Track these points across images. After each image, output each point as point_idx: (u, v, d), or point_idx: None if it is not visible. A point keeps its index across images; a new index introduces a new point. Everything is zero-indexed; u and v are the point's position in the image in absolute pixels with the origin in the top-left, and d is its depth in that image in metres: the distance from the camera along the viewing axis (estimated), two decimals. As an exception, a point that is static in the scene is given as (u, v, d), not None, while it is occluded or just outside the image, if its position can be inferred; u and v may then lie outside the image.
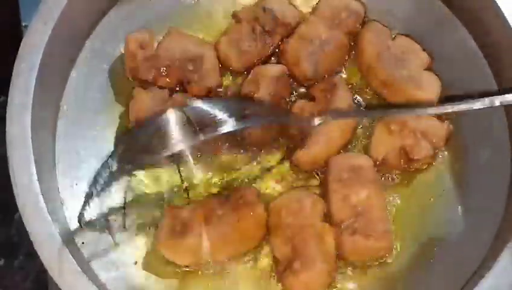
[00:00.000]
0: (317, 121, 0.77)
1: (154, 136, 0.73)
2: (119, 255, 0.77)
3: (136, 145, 0.75)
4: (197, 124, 0.71)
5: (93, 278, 0.71)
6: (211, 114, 0.71)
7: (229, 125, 0.70)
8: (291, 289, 0.73)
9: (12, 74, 0.74)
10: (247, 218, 0.75)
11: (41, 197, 0.71)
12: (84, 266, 0.72)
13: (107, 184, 0.75)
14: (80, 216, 0.74)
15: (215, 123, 0.70)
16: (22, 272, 0.89)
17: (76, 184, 0.79)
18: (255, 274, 0.76)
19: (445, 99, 0.80)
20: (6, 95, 0.74)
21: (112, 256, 0.76)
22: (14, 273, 0.89)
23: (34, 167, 0.72)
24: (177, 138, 0.72)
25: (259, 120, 0.75)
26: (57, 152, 0.80)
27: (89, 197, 0.74)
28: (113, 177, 0.75)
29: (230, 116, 0.70)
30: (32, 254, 0.85)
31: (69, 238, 0.74)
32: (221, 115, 0.71)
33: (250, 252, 0.77)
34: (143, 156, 0.75)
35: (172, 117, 0.72)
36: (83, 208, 0.74)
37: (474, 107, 0.73)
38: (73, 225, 0.77)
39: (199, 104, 0.73)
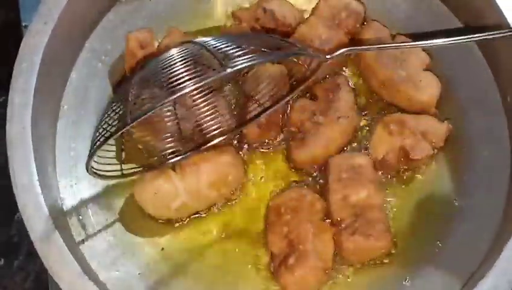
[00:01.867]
0: (328, 56, 0.76)
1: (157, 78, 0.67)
2: (119, 255, 0.77)
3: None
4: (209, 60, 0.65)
5: (93, 278, 0.71)
6: (219, 48, 0.65)
7: (256, 57, 0.63)
8: (286, 285, 0.73)
9: (13, 74, 0.74)
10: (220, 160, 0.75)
11: (41, 197, 0.71)
12: (84, 266, 0.72)
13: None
14: (87, 164, 0.71)
15: (228, 55, 0.63)
16: (22, 272, 0.89)
17: (76, 184, 0.79)
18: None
19: (445, 99, 0.80)
20: (7, 95, 0.74)
21: (112, 255, 0.76)
22: (14, 273, 0.89)
23: (34, 167, 0.72)
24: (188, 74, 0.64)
25: (276, 54, 0.69)
26: (57, 152, 0.80)
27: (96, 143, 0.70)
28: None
29: (247, 51, 0.64)
30: (32, 254, 0.86)
31: (69, 238, 0.74)
32: (230, 48, 0.64)
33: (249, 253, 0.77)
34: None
35: (178, 53, 0.67)
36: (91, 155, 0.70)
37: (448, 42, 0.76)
38: (74, 224, 0.77)
39: (204, 39, 0.69)
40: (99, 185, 0.79)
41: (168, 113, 0.78)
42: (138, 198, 0.76)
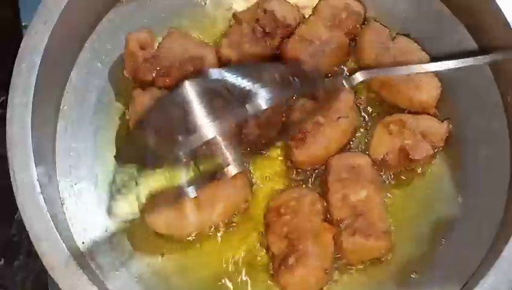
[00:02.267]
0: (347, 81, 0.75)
1: (171, 121, 0.64)
2: (119, 256, 0.77)
3: (148, 140, 0.67)
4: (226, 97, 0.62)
5: (93, 278, 0.71)
6: (239, 84, 0.63)
7: (272, 94, 0.60)
8: (286, 285, 0.73)
9: (12, 74, 0.74)
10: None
11: (41, 197, 0.71)
12: (85, 265, 0.72)
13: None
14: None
15: (249, 94, 0.61)
16: (22, 272, 0.89)
17: (76, 184, 0.79)
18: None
19: (445, 99, 0.80)
20: (7, 95, 0.74)
21: (112, 255, 0.77)
22: (14, 273, 0.89)
23: (34, 167, 0.72)
24: (208, 117, 0.60)
25: (302, 88, 0.67)
26: (57, 152, 0.80)
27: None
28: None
29: (263, 85, 0.62)
30: (32, 254, 0.86)
31: (69, 238, 0.74)
32: (250, 83, 0.62)
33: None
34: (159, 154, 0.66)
35: (192, 90, 0.63)
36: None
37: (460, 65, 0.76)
38: (74, 224, 0.77)
39: (219, 73, 0.66)
40: (99, 185, 0.79)
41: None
42: (149, 223, 0.75)
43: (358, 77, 0.78)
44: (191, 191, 0.69)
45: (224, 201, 0.76)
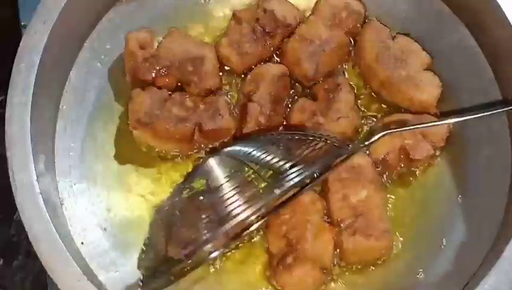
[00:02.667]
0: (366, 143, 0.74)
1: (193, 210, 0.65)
2: (119, 256, 0.77)
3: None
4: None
5: (92, 278, 0.71)
6: (264, 159, 0.63)
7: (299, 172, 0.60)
8: (284, 284, 0.73)
9: (12, 73, 0.74)
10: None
11: (41, 197, 0.71)
12: (84, 266, 0.72)
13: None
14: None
15: (276, 169, 0.61)
16: (22, 272, 0.89)
17: (75, 184, 0.79)
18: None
19: (445, 99, 0.80)
20: (6, 95, 0.73)
21: (112, 256, 0.76)
22: (13, 273, 0.89)
23: (34, 167, 0.71)
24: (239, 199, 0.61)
25: (323, 161, 0.65)
26: (56, 152, 0.79)
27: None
28: None
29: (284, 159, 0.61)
30: (31, 254, 0.86)
31: (68, 238, 0.74)
32: (272, 157, 0.62)
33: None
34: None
35: (217, 167, 0.66)
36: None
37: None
38: (73, 224, 0.77)
39: (238, 147, 0.67)
40: (98, 185, 0.79)
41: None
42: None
43: (378, 136, 0.75)
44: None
45: None
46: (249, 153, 0.68)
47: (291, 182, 0.61)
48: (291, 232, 0.74)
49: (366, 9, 0.84)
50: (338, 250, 0.75)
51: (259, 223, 0.69)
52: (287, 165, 0.63)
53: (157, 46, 0.81)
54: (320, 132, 0.74)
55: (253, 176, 0.66)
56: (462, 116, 0.76)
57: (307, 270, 0.72)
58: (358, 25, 0.83)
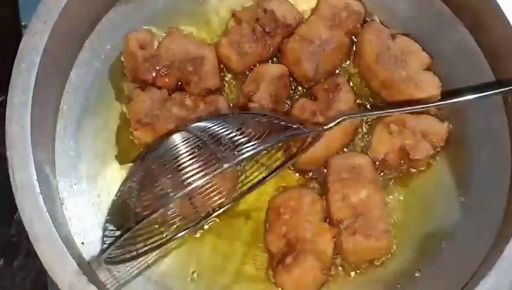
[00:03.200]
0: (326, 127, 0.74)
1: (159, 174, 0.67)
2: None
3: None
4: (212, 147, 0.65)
5: (93, 278, 0.71)
6: (222, 133, 0.66)
7: (253, 146, 0.64)
8: (283, 284, 0.73)
9: (12, 73, 0.74)
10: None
11: (41, 197, 0.71)
12: (84, 266, 0.72)
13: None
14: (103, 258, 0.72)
15: (232, 144, 0.64)
16: (22, 272, 0.89)
17: (76, 184, 0.79)
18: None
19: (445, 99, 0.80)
20: (6, 95, 0.74)
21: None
22: (13, 273, 0.89)
23: (34, 167, 0.71)
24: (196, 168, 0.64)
25: (277, 138, 0.68)
26: (57, 152, 0.80)
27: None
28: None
29: (246, 136, 0.65)
30: (31, 254, 0.86)
31: (68, 238, 0.74)
32: (233, 133, 0.65)
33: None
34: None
35: (180, 140, 0.68)
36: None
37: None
38: (73, 224, 0.77)
39: (203, 123, 0.69)
40: (98, 185, 0.79)
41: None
42: None
43: (338, 121, 0.75)
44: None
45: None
46: (209, 127, 0.69)
47: (245, 155, 0.64)
48: (291, 232, 0.74)
49: (366, 10, 0.84)
50: (338, 250, 0.75)
51: (228, 205, 0.75)
52: (243, 140, 0.65)
53: (157, 46, 0.81)
54: (291, 119, 0.76)
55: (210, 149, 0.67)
56: (451, 99, 0.76)
57: (306, 270, 0.72)
58: (358, 25, 0.83)
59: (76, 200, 0.78)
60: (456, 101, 0.76)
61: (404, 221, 0.78)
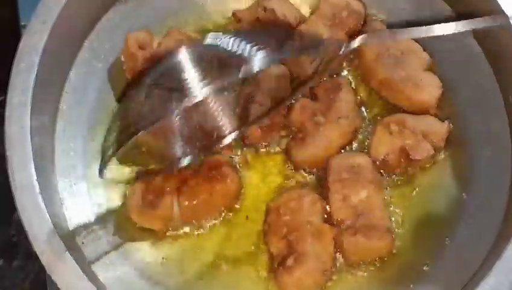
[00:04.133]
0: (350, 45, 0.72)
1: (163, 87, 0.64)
2: (119, 256, 0.77)
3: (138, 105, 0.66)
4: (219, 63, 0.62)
5: (93, 278, 0.71)
6: (234, 48, 0.62)
7: (265, 58, 0.59)
8: (284, 286, 0.73)
9: (11, 73, 0.74)
10: (220, 191, 0.75)
11: (40, 197, 0.71)
12: (84, 266, 0.72)
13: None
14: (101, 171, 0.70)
15: (244, 57, 0.60)
16: (21, 272, 0.89)
17: (75, 184, 0.79)
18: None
19: (445, 99, 0.80)
20: (5, 95, 0.73)
21: (111, 256, 0.76)
22: (13, 273, 0.89)
23: (34, 167, 0.71)
24: (201, 79, 0.60)
25: (295, 50, 0.66)
26: (57, 152, 0.79)
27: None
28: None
29: (258, 48, 0.60)
30: (31, 255, 0.85)
31: (68, 239, 0.74)
32: (245, 47, 0.61)
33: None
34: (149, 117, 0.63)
35: (188, 55, 0.64)
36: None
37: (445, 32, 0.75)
38: (73, 225, 0.77)
39: (216, 38, 0.66)
40: (98, 185, 0.79)
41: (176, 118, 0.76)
42: (133, 218, 0.76)
43: (359, 40, 0.74)
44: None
45: (208, 204, 0.76)
46: (223, 41, 0.66)
47: (257, 62, 0.60)
48: (291, 233, 0.74)
49: (366, 9, 0.84)
50: (338, 250, 0.75)
51: (234, 134, 0.74)
52: (255, 49, 0.62)
53: (157, 46, 0.81)
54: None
55: (222, 59, 0.65)
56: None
57: (307, 271, 0.72)
58: (359, 25, 0.83)
59: (76, 200, 0.78)
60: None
61: (405, 221, 0.77)
